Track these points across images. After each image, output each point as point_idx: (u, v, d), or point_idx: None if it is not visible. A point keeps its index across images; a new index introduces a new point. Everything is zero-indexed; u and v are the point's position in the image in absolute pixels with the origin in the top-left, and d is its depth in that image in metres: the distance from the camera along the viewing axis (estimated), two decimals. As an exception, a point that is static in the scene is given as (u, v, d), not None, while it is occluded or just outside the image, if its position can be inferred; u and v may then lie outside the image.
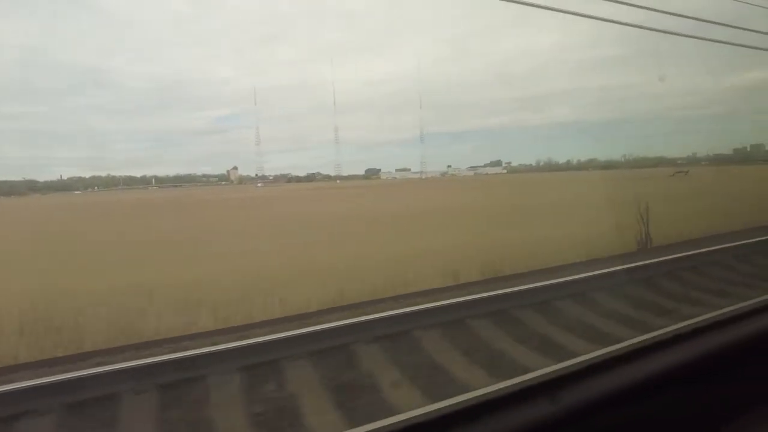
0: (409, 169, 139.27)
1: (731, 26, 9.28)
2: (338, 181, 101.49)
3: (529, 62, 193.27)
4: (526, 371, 3.81)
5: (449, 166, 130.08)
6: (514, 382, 1.13)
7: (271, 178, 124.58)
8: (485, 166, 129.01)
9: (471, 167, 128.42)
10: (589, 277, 6.23)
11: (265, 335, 4.43)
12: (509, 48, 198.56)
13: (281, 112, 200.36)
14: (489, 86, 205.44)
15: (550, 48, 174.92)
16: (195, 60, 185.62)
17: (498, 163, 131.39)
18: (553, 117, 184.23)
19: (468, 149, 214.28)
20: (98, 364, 3.98)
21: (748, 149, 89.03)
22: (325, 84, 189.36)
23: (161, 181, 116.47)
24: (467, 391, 3.42)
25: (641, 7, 7.64)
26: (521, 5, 6.28)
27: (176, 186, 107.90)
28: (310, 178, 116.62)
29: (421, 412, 1.00)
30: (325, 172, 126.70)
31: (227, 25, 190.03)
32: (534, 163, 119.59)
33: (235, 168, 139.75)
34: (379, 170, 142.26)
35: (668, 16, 8.02)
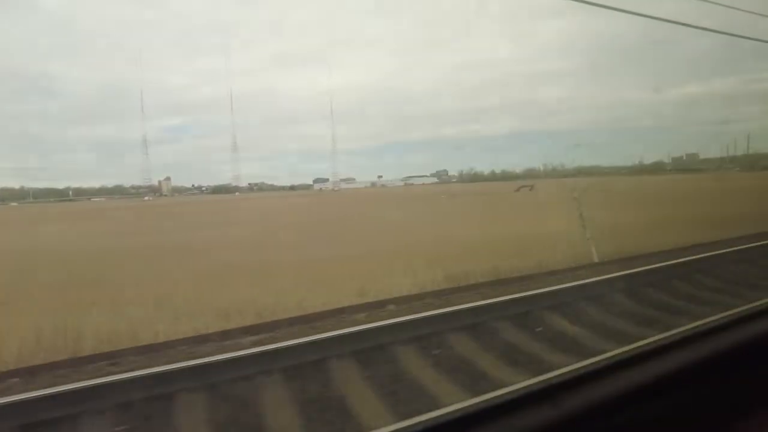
0: (354, 179, 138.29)
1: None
2: (237, 194, 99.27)
3: (483, 74, 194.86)
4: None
5: (380, 177, 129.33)
6: (518, 388, 1.12)
7: (204, 189, 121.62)
8: (422, 176, 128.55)
9: (407, 177, 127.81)
10: None
11: None
12: (463, 60, 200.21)
13: (238, 122, 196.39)
14: (444, 97, 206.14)
15: (503, 61, 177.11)
16: (145, 67, 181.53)
17: (445, 173, 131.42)
18: (502, 128, 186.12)
19: (423, 158, 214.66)
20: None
21: (668, 161, 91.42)
22: (285, 93, 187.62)
23: (81, 193, 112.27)
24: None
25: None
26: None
27: (90, 198, 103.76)
28: (229, 189, 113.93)
29: (424, 418, 1.00)
30: (275, 182, 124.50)
31: (178, 32, 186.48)
32: (458, 173, 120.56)
33: (168, 178, 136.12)
34: (327, 180, 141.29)
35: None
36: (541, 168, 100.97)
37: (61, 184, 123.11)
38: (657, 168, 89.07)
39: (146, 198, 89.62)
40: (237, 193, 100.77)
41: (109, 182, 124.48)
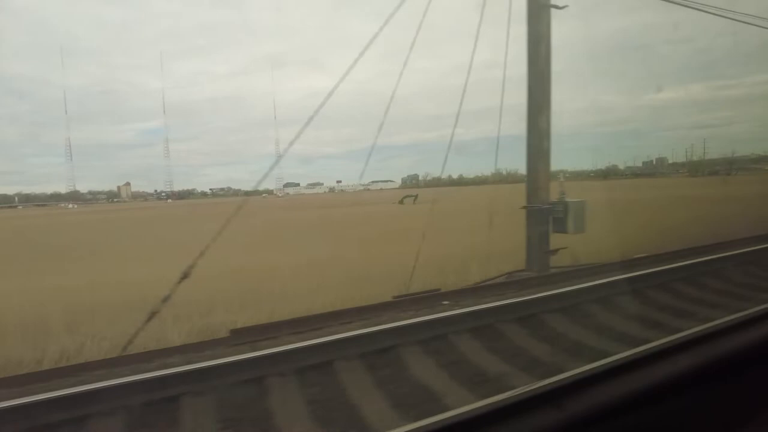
0: (322, 184, 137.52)
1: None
2: (169, 201, 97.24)
3: (463, 79, 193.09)
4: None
5: (339, 182, 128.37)
6: (522, 391, 1.13)
7: (163, 195, 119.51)
8: (386, 181, 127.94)
9: (372, 182, 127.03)
10: None
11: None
12: (450, 64, 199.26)
13: (218, 125, 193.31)
14: (425, 102, 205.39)
15: (482, 65, 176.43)
16: (121, 69, 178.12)
17: (415, 177, 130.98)
18: (481, 132, 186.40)
19: (408, 163, 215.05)
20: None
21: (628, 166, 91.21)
22: (264, 96, 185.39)
23: (31, 199, 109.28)
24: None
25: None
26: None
27: (40, 205, 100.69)
28: (184, 195, 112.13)
29: (428, 422, 1.01)
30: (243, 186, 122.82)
31: (157, 34, 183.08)
32: (421, 177, 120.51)
33: (127, 184, 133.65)
34: (298, 184, 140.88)
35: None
36: (489, 174, 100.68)
37: (12, 190, 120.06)
38: (610, 173, 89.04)
39: (70, 206, 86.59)
40: (169, 200, 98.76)
41: (66, 187, 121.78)
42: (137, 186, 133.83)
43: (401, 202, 37.11)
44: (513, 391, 1.16)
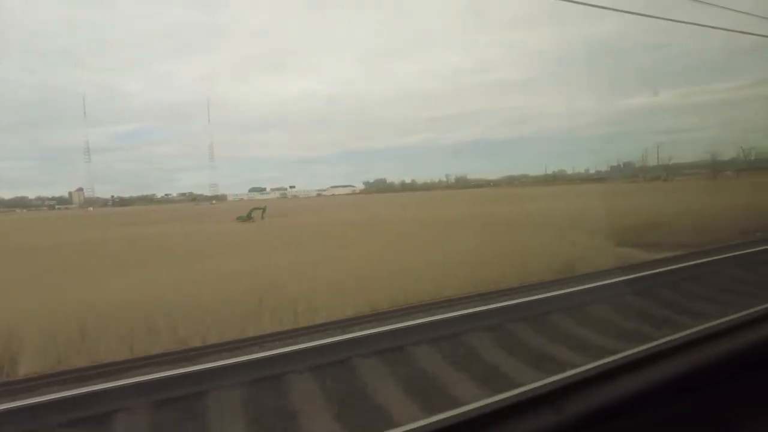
0: (286, 188, 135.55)
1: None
2: (90, 209, 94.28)
3: (443, 83, 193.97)
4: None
5: (292, 187, 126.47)
6: (518, 392, 1.13)
7: (116, 199, 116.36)
8: (346, 186, 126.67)
9: (331, 186, 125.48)
10: None
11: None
12: (424, 69, 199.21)
13: (193, 129, 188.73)
14: (405, 106, 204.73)
15: (462, 70, 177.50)
16: (95, 71, 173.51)
17: (383, 181, 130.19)
18: (462, 136, 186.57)
19: (390, 166, 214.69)
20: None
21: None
22: (238, 100, 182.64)
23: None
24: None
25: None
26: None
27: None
28: (128, 202, 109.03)
29: (426, 423, 1.00)
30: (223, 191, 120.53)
31: (130, 35, 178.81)
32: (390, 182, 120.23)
33: (80, 189, 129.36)
34: (264, 189, 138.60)
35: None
36: (446, 179, 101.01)
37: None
38: (556, 178, 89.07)
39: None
40: (91, 208, 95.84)
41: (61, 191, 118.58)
42: (101, 191, 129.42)
43: (249, 216, 31.66)
44: (509, 393, 1.12)
